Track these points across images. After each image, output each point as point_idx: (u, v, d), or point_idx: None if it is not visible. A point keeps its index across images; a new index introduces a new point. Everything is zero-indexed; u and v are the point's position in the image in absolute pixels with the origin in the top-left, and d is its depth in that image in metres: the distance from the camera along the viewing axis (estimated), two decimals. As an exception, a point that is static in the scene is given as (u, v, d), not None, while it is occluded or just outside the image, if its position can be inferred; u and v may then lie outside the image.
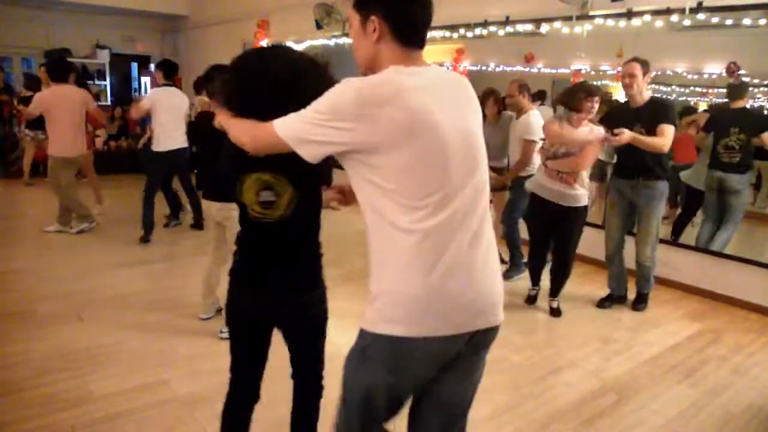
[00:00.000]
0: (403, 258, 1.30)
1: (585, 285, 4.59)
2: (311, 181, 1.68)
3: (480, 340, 1.40)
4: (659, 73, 5.75)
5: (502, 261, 4.51)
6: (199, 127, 3.27)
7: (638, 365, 3.25)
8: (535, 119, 4.25)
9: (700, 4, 4.23)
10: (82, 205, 5.39)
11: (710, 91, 5.23)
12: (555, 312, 3.95)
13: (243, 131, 1.48)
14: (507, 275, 4.56)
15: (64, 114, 5.05)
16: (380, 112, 1.24)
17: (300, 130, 1.32)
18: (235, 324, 1.82)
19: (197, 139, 3.32)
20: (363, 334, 1.39)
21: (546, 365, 3.21)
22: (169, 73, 5.25)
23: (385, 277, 1.34)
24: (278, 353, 1.89)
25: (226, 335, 3.30)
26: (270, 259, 1.73)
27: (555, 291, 3.99)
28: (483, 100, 4.54)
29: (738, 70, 4.39)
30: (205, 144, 3.29)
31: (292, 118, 1.34)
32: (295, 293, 1.74)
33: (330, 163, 1.48)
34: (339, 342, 3.59)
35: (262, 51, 1.70)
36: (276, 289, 1.72)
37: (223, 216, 3.25)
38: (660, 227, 3.90)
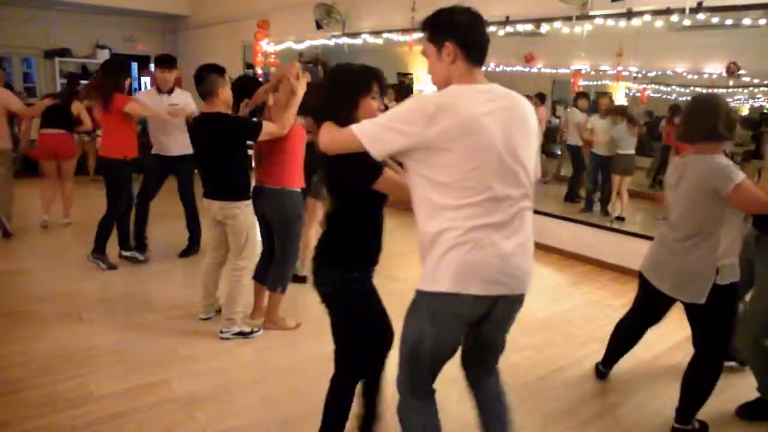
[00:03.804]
0: None
1: (582, 285, 4.60)
2: None
3: None
4: (659, 73, 5.77)
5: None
6: (203, 127, 3.26)
7: (638, 365, 3.25)
8: None
9: (700, 4, 4.23)
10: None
11: (710, 91, 5.23)
12: None
13: (324, 133, 1.80)
14: None
15: None
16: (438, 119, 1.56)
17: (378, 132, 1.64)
18: None
19: (199, 140, 3.29)
20: None
21: (546, 365, 3.21)
22: None
23: None
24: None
25: (226, 335, 3.31)
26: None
27: (683, 414, 2.57)
28: None
29: (738, 70, 4.39)
30: (208, 145, 3.25)
31: (369, 121, 1.67)
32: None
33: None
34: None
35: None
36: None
37: (224, 215, 3.24)
38: None
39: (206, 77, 3.14)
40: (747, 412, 2.74)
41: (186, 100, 4.79)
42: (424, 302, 1.71)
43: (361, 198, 1.93)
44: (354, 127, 1.67)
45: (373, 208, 1.98)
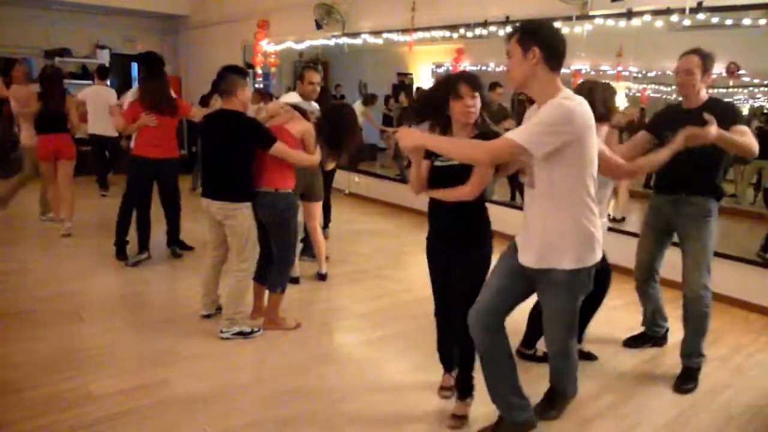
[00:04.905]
0: None
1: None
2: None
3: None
4: (659, 73, 5.76)
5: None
6: (218, 122, 3.28)
7: (638, 365, 3.25)
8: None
9: (700, 4, 4.24)
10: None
11: (710, 91, 5.23)
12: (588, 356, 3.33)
13: (477, 147, 2.08)
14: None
15: None
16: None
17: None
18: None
19: (210, 135, 3.30)
20: None
21: (546, 365, 3.20)
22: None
23: None
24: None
25: (226, 335, 3.31)
26: None
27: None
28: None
29: (738, 70, 4.39)
30: (219, 140, 3.25)
31: (524, 130, 1.99)
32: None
33: None
34: (344, 341, 3.58)
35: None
36: None
37: (224, 215, 3.23)
38: (710, 253, 3.05)
39: (227, 76, 3.20)
40: (629, 342, 3.45)
41: None
42: (578, 277, 2.15)
43: None
44: (514, 137, 1.97)
45: None
